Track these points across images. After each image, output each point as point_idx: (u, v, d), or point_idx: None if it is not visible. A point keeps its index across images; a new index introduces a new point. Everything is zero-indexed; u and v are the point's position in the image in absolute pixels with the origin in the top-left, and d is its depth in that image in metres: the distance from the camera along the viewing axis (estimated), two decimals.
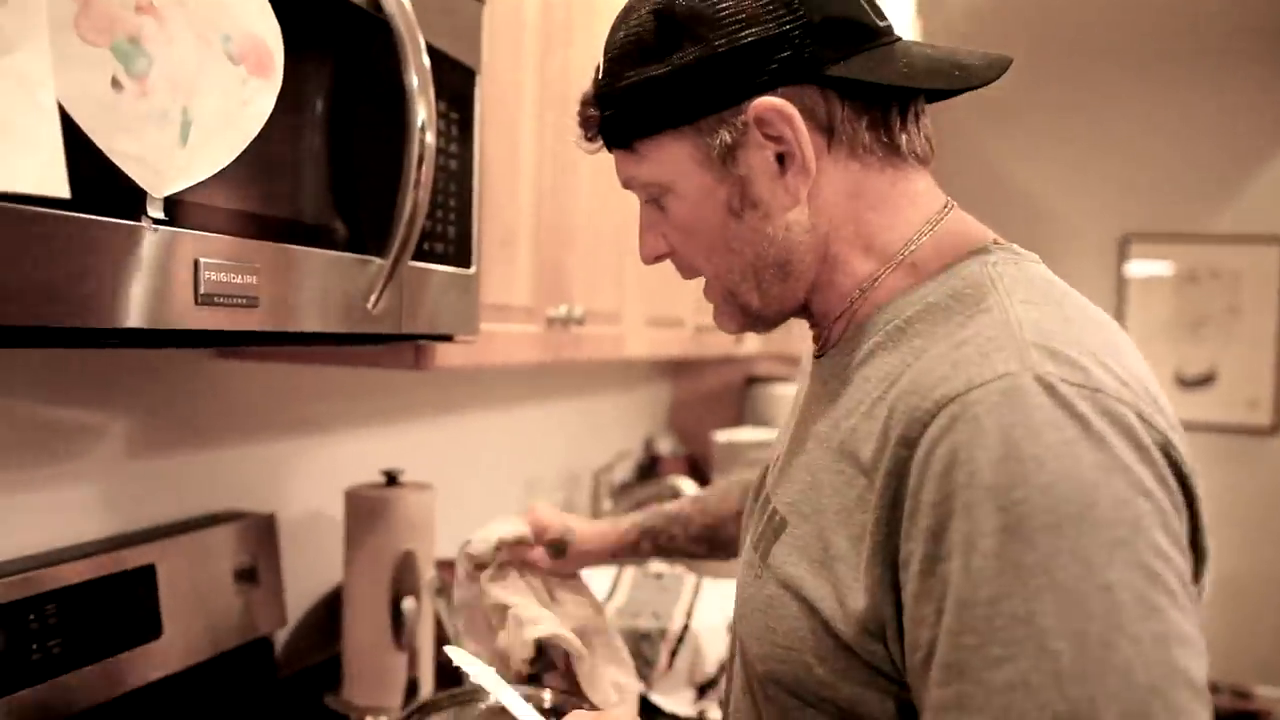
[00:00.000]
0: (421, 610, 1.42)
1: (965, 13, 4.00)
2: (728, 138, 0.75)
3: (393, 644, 1.45)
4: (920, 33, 3.56)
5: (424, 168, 0.95)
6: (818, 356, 0.85)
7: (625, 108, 0.79)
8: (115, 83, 0.63)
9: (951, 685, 0.58)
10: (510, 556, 1.22)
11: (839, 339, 0.81)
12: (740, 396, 3.50)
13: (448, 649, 0.99)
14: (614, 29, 0.80)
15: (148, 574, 1.20)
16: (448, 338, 1.18)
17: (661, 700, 1.57)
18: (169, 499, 1.35)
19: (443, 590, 1.37)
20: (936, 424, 0.62)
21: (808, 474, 0.76)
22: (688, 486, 2.59)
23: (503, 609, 1.17)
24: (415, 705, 1.08)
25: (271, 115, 0.78)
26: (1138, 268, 4.09)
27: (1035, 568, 0.55)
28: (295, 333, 0.88)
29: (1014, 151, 4.19)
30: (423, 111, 0.95)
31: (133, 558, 1.19)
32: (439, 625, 1.48)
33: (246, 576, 1.37)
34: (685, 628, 1.66)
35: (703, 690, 1.63)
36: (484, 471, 2.20)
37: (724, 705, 0.97)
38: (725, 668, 1.64)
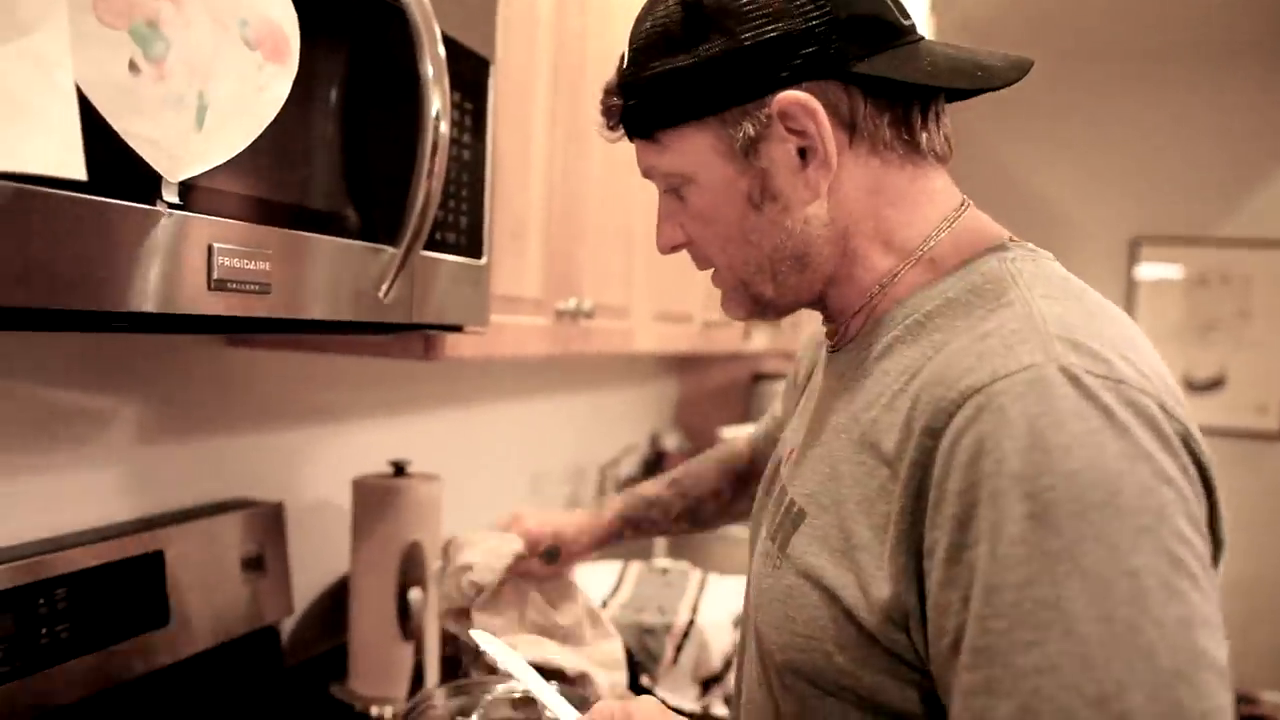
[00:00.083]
0: (428, 600, 1.42)
1: (978, 14, 3.99)
2: (751, 130, 0.76)
3: (399, 634, 1.45)
4: (934, 32, 3.55)
5: (438, 157, 0.95)
6: (832, 351, 0.86)
7: (649, 98, 0.79)
8: (133, 66, 0.63)
9: (980, 669, 0.59)
10: (509, 574, 1.22)
11: (856, 333, 0.82)
12: (747, 393, 3.50)
13: (474, 633, 0.99)
14: (640, 19, 0.81)
15: (156, 560, 1.21)
16: (457, 328, 1.18)
17: (666, 696, 1.57)
18: (178, 486, 1.35)
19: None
20: (962, 414, 0.62)
21: (826, 465, 0.76)
22: None
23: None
24: (421, 695, 1.08)
25: (286, 101, 0.78)
26: (1148, 271, 4.08)
27: (1062, 553, 0.57)
28: (306, 320, 0.88)
29: (1025, 154, 4.18)
30: (437, 101, 0.94)
31: (141, 544, 1.19)
32: None
33: (254, 565, 1.38)
34: (690, 623, 1.65)
35: (707, 685, 1.63)
36: (491, 463, 2.20)
37: (733, 700, 0.97)
38: (731, 662, 1.64)
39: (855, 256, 0.79)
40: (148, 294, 0.70)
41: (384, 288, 0.97)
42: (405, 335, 1.23)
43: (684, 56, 0.76)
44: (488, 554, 1.19)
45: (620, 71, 0.82)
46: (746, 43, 0.74)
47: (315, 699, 1.49)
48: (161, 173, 0.68)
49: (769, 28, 0.73)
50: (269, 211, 0.82)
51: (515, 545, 1.21)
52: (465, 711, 1.05)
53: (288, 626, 1.56)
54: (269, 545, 1.41)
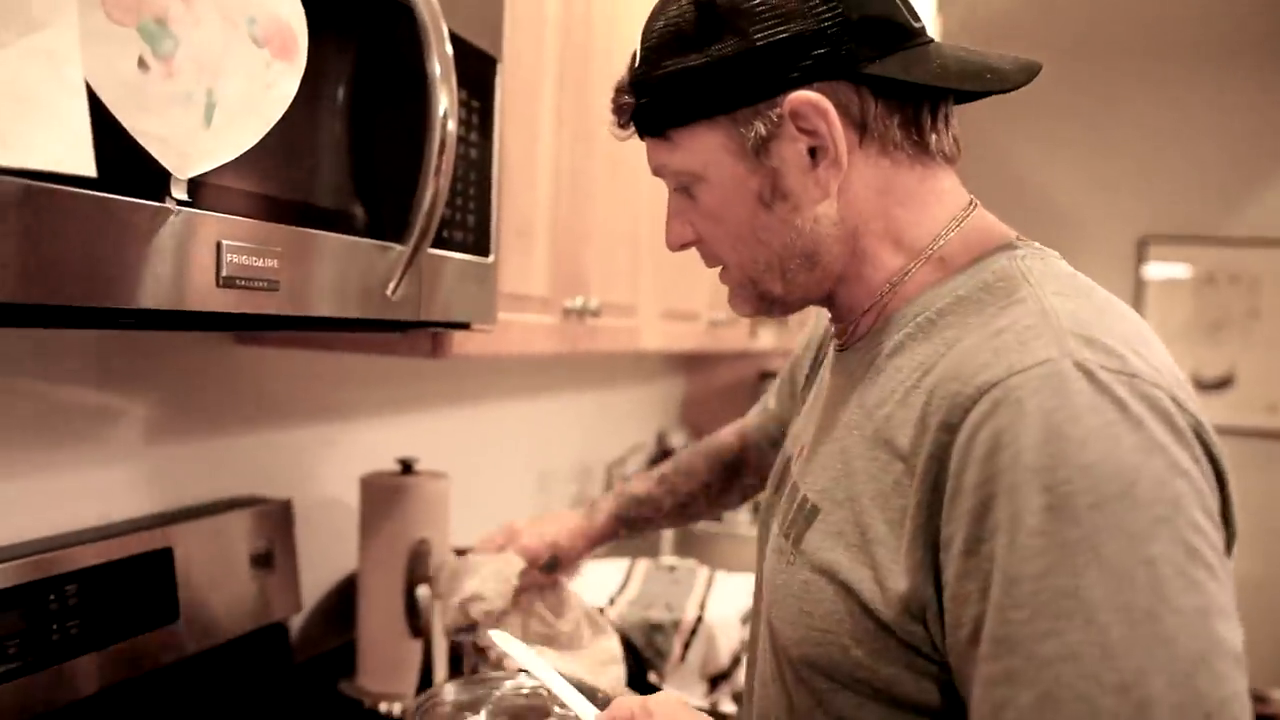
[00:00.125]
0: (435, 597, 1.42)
1: (984, 13, 3.98)
2: (762, 129, 0.76)
3: (407, 630, 1.45)
4: (940, 30, 3.54)
5: (445, 155, 0.95)
6: (841, 349, 0.87)
7: (661, 96, 0.80)
8: (142, 63, 0.64)
9: (1000, 659, 0.60)
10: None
11: (866, 331, 0.82)
12: (753, 391, 3.50)
13: (492, 633, 1.00)
14: (653, 17, 0.81)
15: (165, 557, 1.21)
16: (465, 326, 1.18)
17: (674, 692, 1.58)
18: (187, 483, 1.36)
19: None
20: (979, 409, 0.63)
21: (840, 462, 0.77)
22: None
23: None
24: (429, 691, 1.09)
25: (294, 99, 0.78)
26: (1156, 270, 4.07)
27: (1081, 543, 0.58)
28: (314, 317, 0.89)
29: (1033, 153, 4.16)
30: (445, 99, 0.94)
31: (150, 541, 1.19)
32: None
33: (262, 562, 1.38)
34: (698, 620, 1.66)
35: (715, 682, 1.63)
36: (498, 461, 2.21)
37: (744, 696, 0.97)
38: (739, 659, 1.64)
39: (865, 255, 0.80)
40: (156, 291, 0.70)
41: (392, 285, 0.97)
42: (413, 333, 1.23)
43: (696, 56, 0.77)
44: (494, 579, 1.19)
45: (632, 70, 0.83)
46: (759, 43, 0.74)
47: (324, 695, 1.49)
48: (170, 170, 0.68)
49: (781, 28, 0.74)
50: (277, 209, 0.82)
51: (518, 566, 1.20)
52: (473, 707, 1.05)
53: (296, 623, 1.56)
54: (277, 542, 1.42)
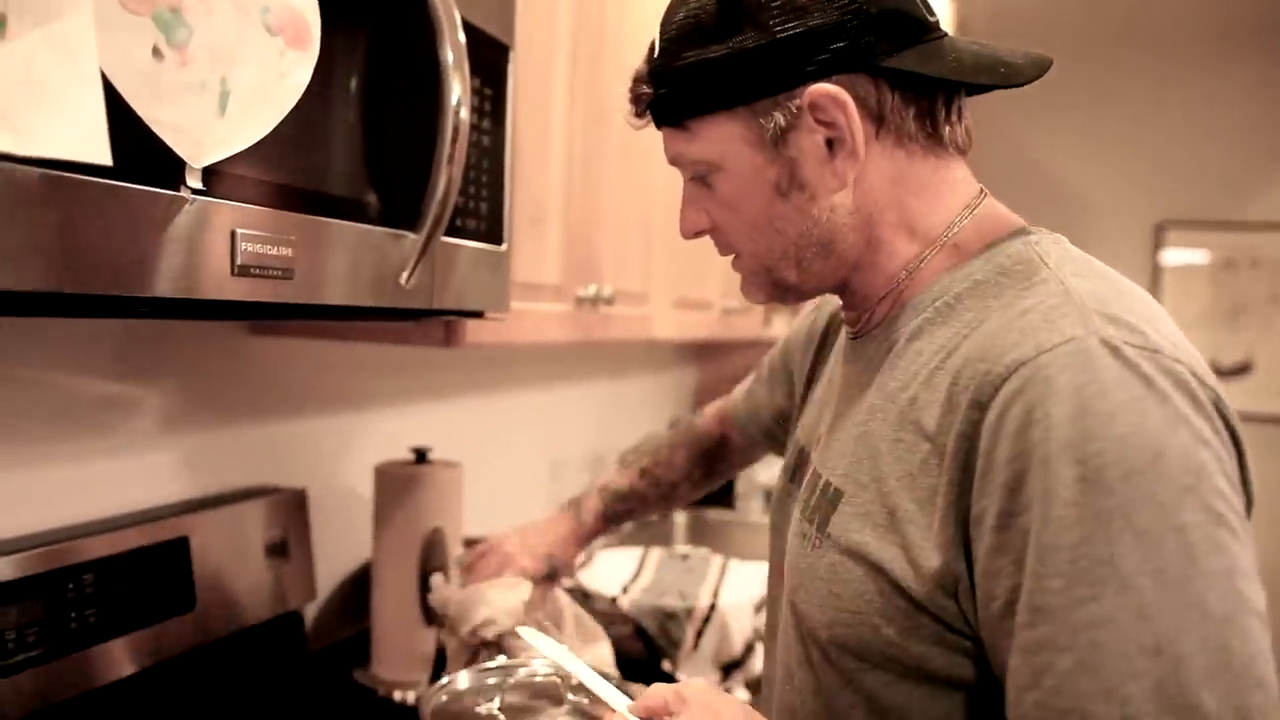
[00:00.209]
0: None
1: (1004, 1, 3.95)
2: (781, 120, 0.78)
3: (421, 619, 1.46)
4: (955, 19, 3.52)
5: (458, 144, 0.95)
6: (855, 338, 0.88)
7: (680, 87, 0.81)
8: (156, 52, 0.64)
9: (1039, 626, 0.62)
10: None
11: (883, 319, 0.84)
12: None
13: (520, 630, 1.01)
14: (673, 8, 0.82)
15: (181, 546, 1.22)
16: (478, 314, 1.18)
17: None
18: (202, 473, 1.36)
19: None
20: (1009, 386, 0.65)
21: (862, 445, 0.78)
22: None
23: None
24: (443, 680, 1.09)
25: (308, 88, 0.78)
26: (1174, 256, 4.04)
27: (1114, 513, 0.60)
28: (328, 306, 0.89)
29: (1050, 139, 4.14)
30: (458, 87, 0.94)
31: (167, 530, 1.20)
32: None
33: (277, 551, 1.39)
34: (712, 608, 1.66)
35: (728, 670, 1.63)
36: (511, 450, 2.21)
37: (763, 685, 0.97)
38: (752, 647, 1.65)
39: (880, 244, 0.81)
40: (171, 279, 0.70)
41: (405, 274, 0.97)
42: (426, 322, 1.23)
43: (717, 47, 0.78)
44: (503, 605, 1.19)
45: (650, 61, 0.84)
46: (780, 35, 0.75)
47: (338, 684, 1.50)
48: (185, 159, 0.68)
49: (802, 21, 0.75)
50: (291, 197, 0.82)
51: (526, 591, 1.21)
52: (486, 695, 1.05)
53: (311, 612, 1.57)
54: (292, 531, 1.42)
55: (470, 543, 1.52)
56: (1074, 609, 0.60)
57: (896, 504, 0.73)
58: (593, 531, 1.34)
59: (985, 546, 0.66)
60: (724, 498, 2.97)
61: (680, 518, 2.76)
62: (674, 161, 0.87)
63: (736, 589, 1.78)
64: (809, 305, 1.15)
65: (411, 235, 0.98)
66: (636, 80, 0.85)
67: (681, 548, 2.14)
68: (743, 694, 1.58)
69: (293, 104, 0.76)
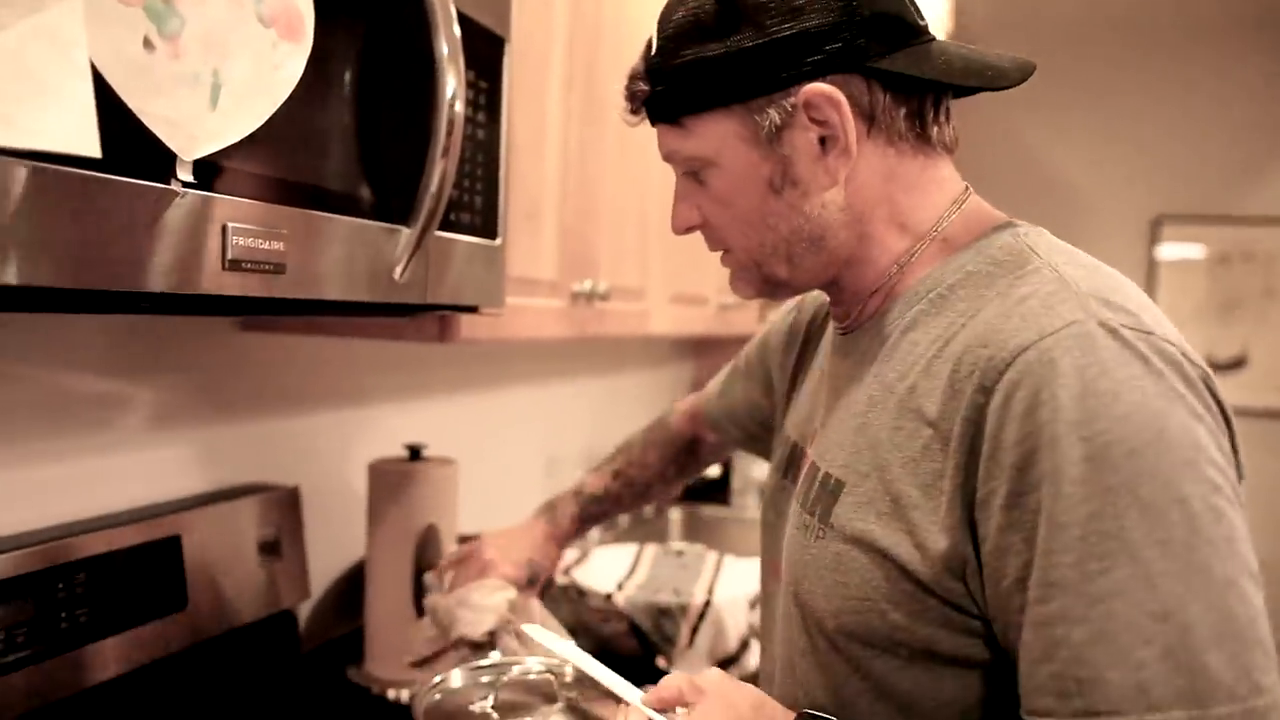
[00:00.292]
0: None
1: None
2: (776, 118, 0.79)
3: (415, 617, 1.45)
4: (953, 11, 3.51)
5: (453, 137, 0.94)
6: (844, 333, 0.90)
7: (677, 84, 0.82)
8: (147, 43, 0.63)
9: (1053, 601, 0.65)
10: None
11: (874, 312, 0.86)
12: None
13: (525, 627, 1.01)
14: (671, 7, 0.84)
15: (173, 545, 1.21)
16: (473, 309, 1.17)
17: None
18: (194, 471, 1.35)
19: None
20: (1014, 370, 0.68)
21: (862, 436, 0.80)
22: (710, 469, 2.57)
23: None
24: (437, 678, 1.08)
25: (301, 80, 0.77)
26: (1169, 250, 4.04)
27: (1120, 488, 0.63)
28: (321, 301, 0.88)
29: (1047, 134, 4.14)
30: (453, 80, 0.94)
31: (158, 529, 1.19)
32: None
33: (270, 549, 1.38)
34: (706, 604, 1.65)
35: (723, 666, 1.63)
36: (506, 447, 2.20)
37: (759, 681, 0.97)
38: (747, 643, 1.64)
39: (871, 240, 0.84)
40: (162, 274, 0.69)
41: (399, 268, 0.96)
42: (420, 317, 1.22)
43: (715, 46, 0.79)
44: (488, 607, 1.19)
45: (647, 58, 0.85)
46: (776, 36, 0.77)
47: (332, 682, 1.49)
48: (176, 151, 0.67)
49: (798, 22, 0.77)
50: (284, 191, 0.81)
51: (510, 594, 1.21)
52: (480, 693, 1.05)
53: (304, 610, 1.56)
54: (285, 530, 1.41)
55: (464, 539, 1.51)
56: (1086, 582, 0.63)
57: (900, 491, 0.75)
58: (569, 535, 1.35)
59: (994, 526, 0.68)
60: (719, 494, 2.97)
61: (675, 514, 2.76)
62: (668, 158, 0.88)
63: (731, 585, 1.78)
64: (789, 303, 1.15)
65: (405, 229, 0.97)
66: (633, 77, 0.87)
67: (677, 544, 2.13)
68: None
69: (286, 96, 0.76)
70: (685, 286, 2.10)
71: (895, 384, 0.79)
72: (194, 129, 0.67)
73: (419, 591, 1.44)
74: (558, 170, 1.47)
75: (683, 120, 0.84)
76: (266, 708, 1.38)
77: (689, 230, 0.90)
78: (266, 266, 0.79)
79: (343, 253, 0.89)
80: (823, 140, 0.80)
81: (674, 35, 0.82)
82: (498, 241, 1.16)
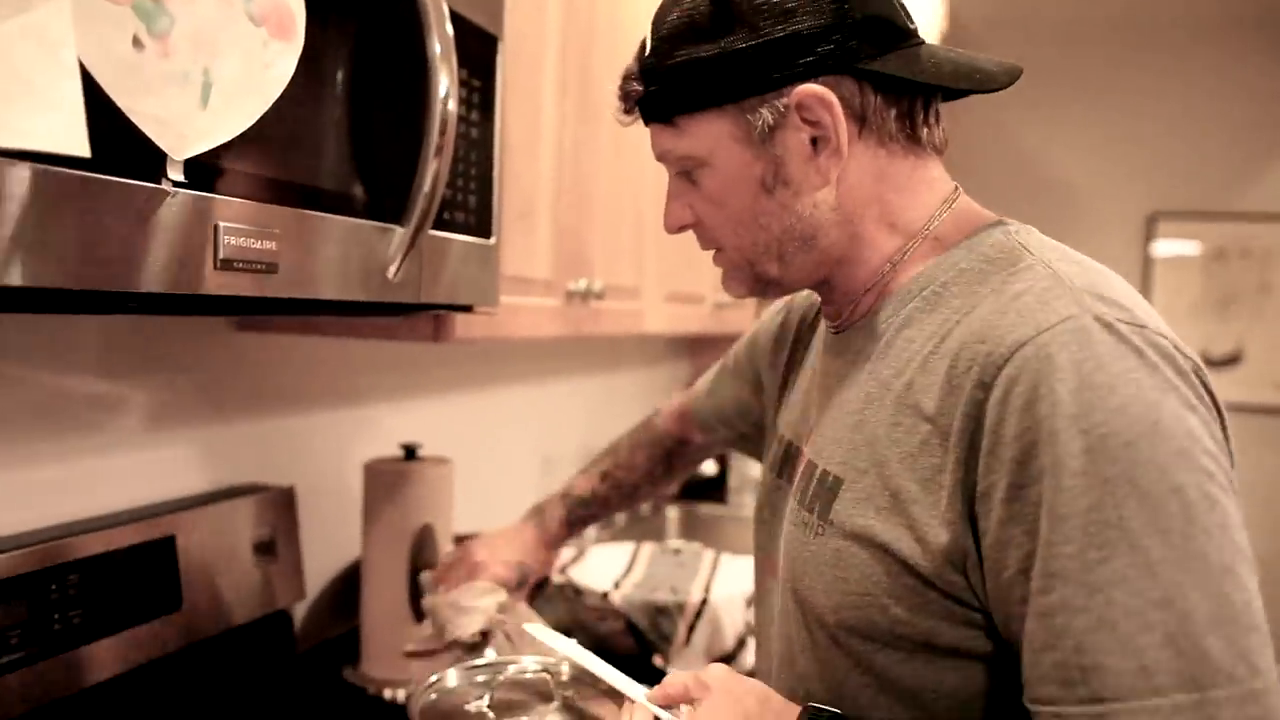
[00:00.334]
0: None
1: None
2: (769, 118, 0.80)
3: (411, 617, 1.45)
4: (948, 9, 3.51)
5: (446, 136, 0.94)
6: (837, 332, 0.90)
7: (671, 84, 0.83)
8: (136, 42, 0.62)
9: (1054, 591, 0.65)
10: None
11: (868, 310, 0.86)
12: None
13: (527, 626, 1.01)
14: (665, 8, 0.85)
15: (168, 546, 1.20)
16: (467, 308, 1.17)
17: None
18: (189, 471, 1.35)
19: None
20: (1012, 365, 0.69)
21: (859, 433, 0.81)
22: (707, 467, 2.58)
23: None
24: (433, 678, 1.08)
25: (292, 79, 0.77)
26: (1165, 247, 4.04)
27: (1119, 479, 0.64)
28: (315, 300, 0.88)
29: (1042, 131, 4.14)
30: (445, 79, 0.93)
31: (153, 529, 1.19)
32: None
33: (265, 549, 1.37)
34: (703, 602, 1.65)
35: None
36: (502, 446, 2.20)
37: (759, 674, 0.97)
38: (744, 641, 1.64)
39: (862, 239, 0.85)
40: (154, 274, 0.69)
41: (393, 267, 0.96)
42: (414, 317, 1.22)
43: (709, 46, 0.80)
44: (481, 608, 1.20)
45: (641, 59, 0.86)
46: (770, 37, 0.78)
47: (327, 683, 1.49)
48: (166, 151, 0.67)
49: (791, 24, 0.78)
50: (276, 190, 0.81)
51: (501, 596, 1.21)
52: (476, 692, 1.05)
53: (300, 611, 1.56)
54: (280, 530, 1.41)
55: (460, 539, 1.51)
56: (1088, 571, 0.64)
57: (899, 486, 0.75)
58: (558, 539, 1.36)
59: (995, 518, 0.69)
60: (716, 492, 2.97)
61: (672, 512, 2.76)
62: (661, 157, 0.89)
63: (728, 583, 1.78)
64: (778, 303, 1.15)
65: (399, 229, 0.96)
66: (627, 77, 0.87)
67: (673, 542, 2.13)
68: None
69: (277, 95, 0.75)
70: (680, 285, 2.10)
71: (892, 381, 0.79)
72: (184, 128, 0.67)
73: (415, 591, 1.44)
74: (552, 169, 1.47)
75: (676, 120, 0.84)
76: (262, 708, 1.37)
77: (682, 229, 0.91)
78: (259, 266, 0.79)
79: (336, 252, 0.89)
80: (814, 140, 0.80)
81: (668, 36, 0.83)
82: (492, 240, 1.16)
